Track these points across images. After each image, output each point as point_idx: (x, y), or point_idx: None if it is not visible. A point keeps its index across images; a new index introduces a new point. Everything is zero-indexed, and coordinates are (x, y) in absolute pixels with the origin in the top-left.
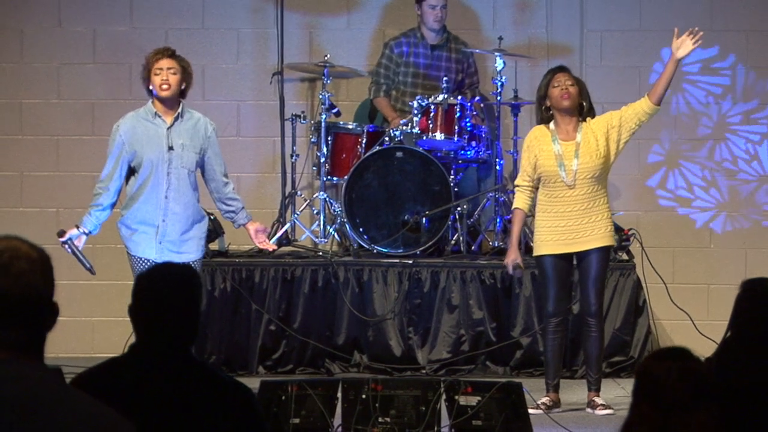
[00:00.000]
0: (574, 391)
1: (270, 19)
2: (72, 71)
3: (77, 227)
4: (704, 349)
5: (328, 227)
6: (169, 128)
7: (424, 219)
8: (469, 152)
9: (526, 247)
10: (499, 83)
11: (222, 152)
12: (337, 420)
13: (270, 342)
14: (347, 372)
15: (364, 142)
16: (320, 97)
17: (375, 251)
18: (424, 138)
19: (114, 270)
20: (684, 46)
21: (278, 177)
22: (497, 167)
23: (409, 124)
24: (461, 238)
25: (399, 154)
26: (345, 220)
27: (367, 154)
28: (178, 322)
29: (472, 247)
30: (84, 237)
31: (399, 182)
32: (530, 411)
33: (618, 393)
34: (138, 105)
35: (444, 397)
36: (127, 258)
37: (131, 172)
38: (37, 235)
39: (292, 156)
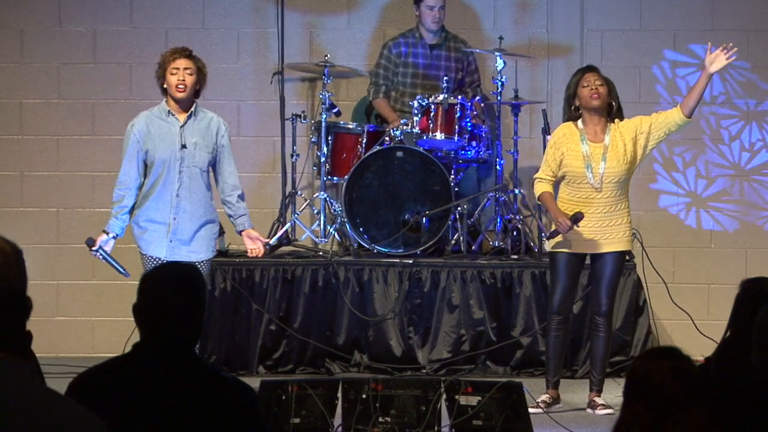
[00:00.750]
0: (575, 391)
1: (270, 19)
2: (72, 71)
3: (106, 233)
4: (704, 349)
5: (329, 227)
6: (182, 127)
7: (424, 219)
8: (469, 152)
9: (526, 247)
10: (500, 83)
11: None
12: (338, 420)
13: (270, 342)
14: (347, 372)
15: (364, 141)
16: (320, 96)
17: (375, 251)
18: (425, 138)
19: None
20: (718, 60)
21: (278, 177)
22: (497, 167)
23: (410, 124)
24: (461, 238)
25: (399, 153)
26: (345, 219)
27: (368, 153)
28: (181, 322)
29: (473, 247)
30: (113, 241)
31: (399, 182)
32: (530, 411)
33: (618, 393)
34: (138, 105)
35: (444, 396)
36: (139, 257)
37: (145, 170)
38: (37, 235)
39: (292, 156)
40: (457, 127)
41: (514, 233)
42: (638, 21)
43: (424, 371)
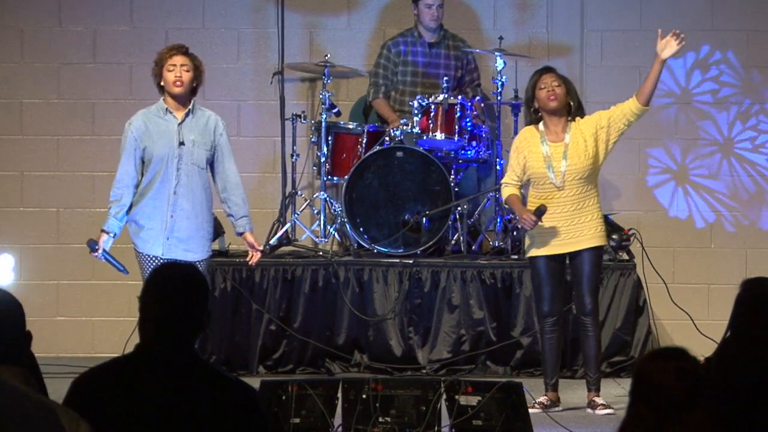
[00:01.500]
0: (574, 391)
1: (270, 19)
2: (72, 71)
3: (106, 233)
4: (704, 349)
5: (329, 227)
6: (180, 124)
7: (424, 219)
8: (469, 152)
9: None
10: (500, 83)
11: None
12: (338, 420)
13: (270, 342)
14: (347, 372)
15: (364, 141)
16: (320, 96)
17: (375, 251)
18: (425, 138)
19: (114, 270)
20: (669, 46)
21: (278, 177)
22: (497, 167)
23: (410, 124)
24: (461, 238)
25: (399, 153)
26: (345, 219)
27: (368, 153)
28: (185, 322)
29: (473, 247)
30: (112, 241)
31: (399, 182)
32: (530, 411)
33: (618, 393)
34: (138, 105)
35: (444, 396)
36: (135, 255)
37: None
38: (37, 235)
39: (292, 156)
40: (457, 127)
41: (514, 233)
42: (638, 21)
43: (424, 371)
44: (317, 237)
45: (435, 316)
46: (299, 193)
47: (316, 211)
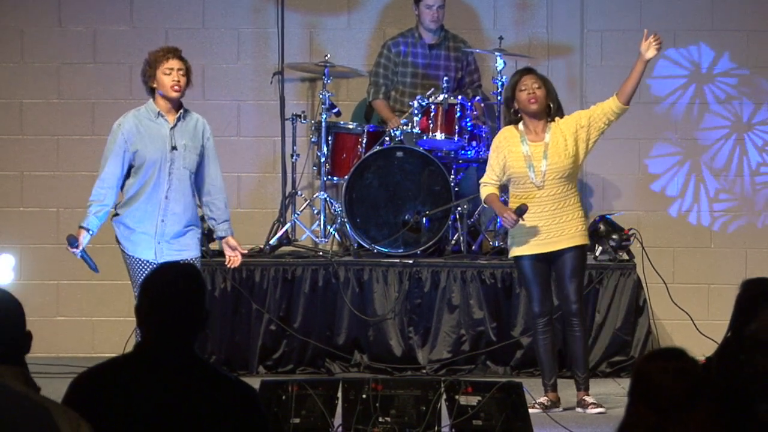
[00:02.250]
0: (574, 391)
1: (270, 19)
2: (72, 71)
3: (86, 230)
4: (704, 349)
5: (329, 227)
6: (172, 128)
7: (424, 219)
8: (469, 152)
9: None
10: (500, 83)
11: (222, 152)
12: (338, 420)
13: (270, 342)
14: (347, 372)
15: (364, 141)
16: (320, 96)
17: (375, 251)
18: (425, 138)
19: (114, 270)
20: (651, 48)
21: (278, 177)
22: None
23: (410, 124)
24: (461, 238)
25: (399, 153)
26: (345, 219)
27: (368, 153)
28: (183, 321)
29: (473, 247)
30: (89, 238)
31: (399, 182)
32: (530, 411)
33: (618, 393)
34: (138, 105)
35: (444, 396)
36: (123, 257)
37: (129, 171)
38: (37, 235)
39: (292, 156)
40: (457, 127)
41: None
42: (638, 21)
43: (424, 371)
44: (317, 237)
45: (435, 316)
46: (299, 193)
47: (316, 211)
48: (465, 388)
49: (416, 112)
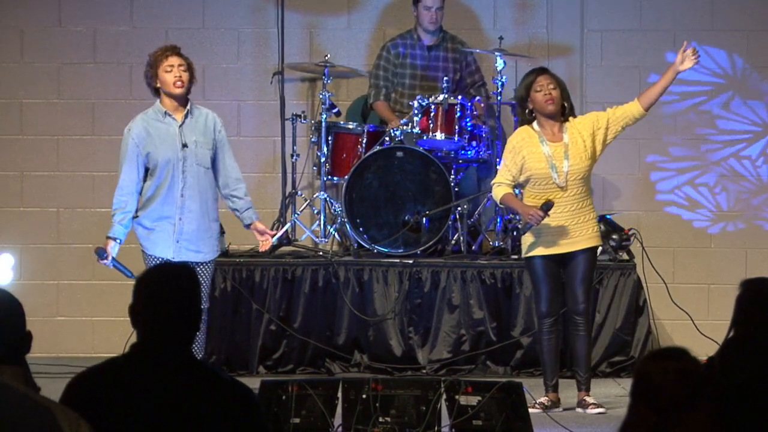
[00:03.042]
0: (574, 391)
1: (270, 19)
2: (72, 71)
3: (113, 240)
4: (704, 349)
5: (329, 227)
6: (180, 126)
7: (424, 219)
8: (469, 152)
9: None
10: (500, 83)
11: None
12: (338, 420)
13: (270, 342)
14: (347, 372)
15: (364, 141)
16: (320, 96)
17: (375, 251)
18: (425, 138)
19: (114, 270)
20: (688, 60)
21: (279, 177)
22: (498, 167)
23: (410, 124)
24: (461, 238)
25: (399, 153)
26: (345, 219)
27: (368, 153)
28: (176, 322)
29: (473, 247)
30: (118, 247)
31: (399, 182)
32: (530, 411)
33: (618, 393)
34: (138, 105)
35: (444, 396)
36: (143, 257)
37: (146, 174)
38: (37, 235)
39: (292, 156)
40: (457, 127)
41: (514, 233)
42: (638, 21)
43: (424, 371)
44: (317, 237)
45: (435, 316)
46: (299, 193)
47: (316, 211)
48: (465, 388)
49: (416, 112)
